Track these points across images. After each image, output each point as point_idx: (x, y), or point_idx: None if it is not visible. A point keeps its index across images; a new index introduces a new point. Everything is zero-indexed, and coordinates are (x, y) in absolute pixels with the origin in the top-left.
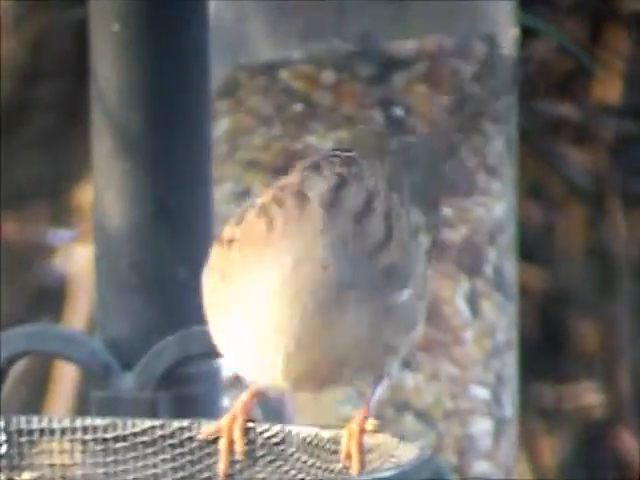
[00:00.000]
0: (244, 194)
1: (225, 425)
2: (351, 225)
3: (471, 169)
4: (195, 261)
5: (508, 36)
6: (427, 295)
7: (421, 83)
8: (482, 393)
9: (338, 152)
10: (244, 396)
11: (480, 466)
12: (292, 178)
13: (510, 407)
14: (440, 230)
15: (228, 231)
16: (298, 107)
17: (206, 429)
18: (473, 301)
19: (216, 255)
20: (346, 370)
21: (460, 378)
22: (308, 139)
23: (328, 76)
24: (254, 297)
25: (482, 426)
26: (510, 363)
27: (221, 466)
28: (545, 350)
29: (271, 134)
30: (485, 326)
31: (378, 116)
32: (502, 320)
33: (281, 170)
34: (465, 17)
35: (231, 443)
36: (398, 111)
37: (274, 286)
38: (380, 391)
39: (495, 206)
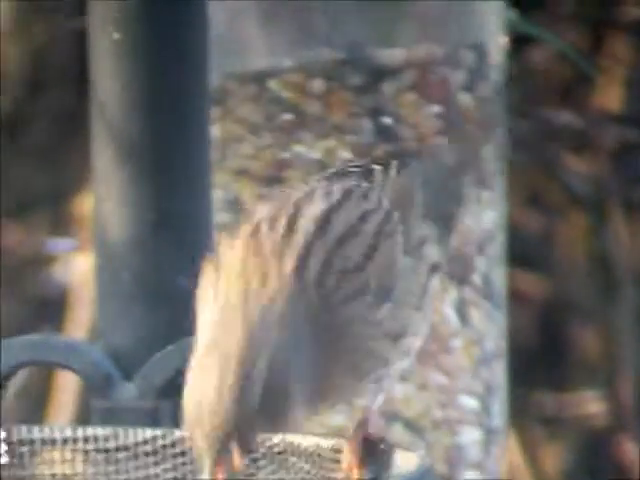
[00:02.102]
0: (233, 202)
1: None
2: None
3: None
4: (196, 270)
5: (497, 45)
6: (430, 305)
7: (410, 92)
8: (471, 403)
9: (357, 165)
10: None
11: (469, 476)
12: (285, 202)
13: (499, 417)
14: (453, 242)
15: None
16: (287, 116)
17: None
18: (462, 310)
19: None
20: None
21: (449, 387)
22: (297, 148)
23: (317, 85)
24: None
25: (471, 436)
26: (499, 372)
27: None
28: (547, 358)
29: (260, 143)
30: (474, 335)
31: (367, 125)
32: (491, 329)
33: (270, 179)
34: (454, 26)
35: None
36: (387, 120)
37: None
38: (380, 401)
39: (484, 215)
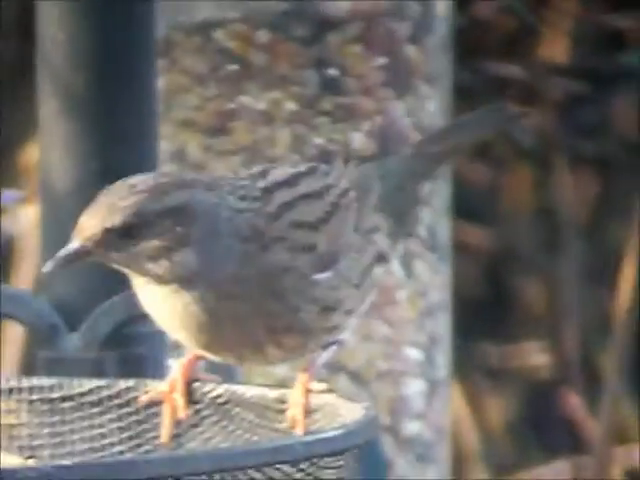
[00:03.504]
0: (179, 153)
1: (166, 391)
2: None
3: (405, 130)
4: None
5: None
6: (369, 290)
7: (356, 44)
8: (415, 354)
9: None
10: (183, 359)
11: (413, 426)
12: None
13: (443, 368)
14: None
15: None
16: (233, 67)
17: (148, 395)
18: (407, 262)
19: None
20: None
21: (393, 339)
22: (242, 99)
23: (263, 36)
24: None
25: (415, 387)
26: (444, 324)
27: (164, 432)
28: (491, 309)
29: (206, 94)
30: (419, 286)
31: (313, 77)
32: (436, 280)
33: (216, 130)
34: None
35: (174, 409)
36: (333, 72)
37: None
38: (327, 357)
39: None
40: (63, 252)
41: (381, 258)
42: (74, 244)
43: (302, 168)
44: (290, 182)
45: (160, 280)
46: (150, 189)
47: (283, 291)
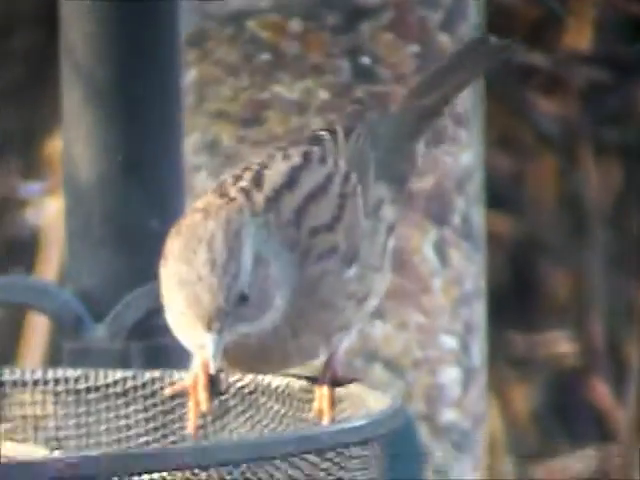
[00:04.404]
0: (212, 144)
1: (190, 385)
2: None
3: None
4: (166, 212)
5: None
6: (388, 266)
7: (388, 32)
8: (450, 342)
9: (311, 133)
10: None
11: (449, 414)
12: (255, 160)
13: (479, 356)
14: (406, 202)
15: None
16: (265, 57)
17: (171, 389)
18: (441, 250)
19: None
20: (293, 360)
21: (428, 327)
22: (275, 89)
23: (295, 25)
24: (176, 288)
25: (451, 375)
26: (478, 312)
27: (190, 425)
28: (517, 298)
29: (238, 84)
30: (453, 275)
31: (345, 65)
32: (470, 269)
33: (249, 121)
34: None
35: (198, 403)
36: (365, 60)
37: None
38: (348, 342)
39: (463, 155)
40: (213, 349)
41: (391, 229)
42: (211, 336)
43: (296, 159)
44: (290, 183)
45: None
46: (233, 261)
47: (328, 297)
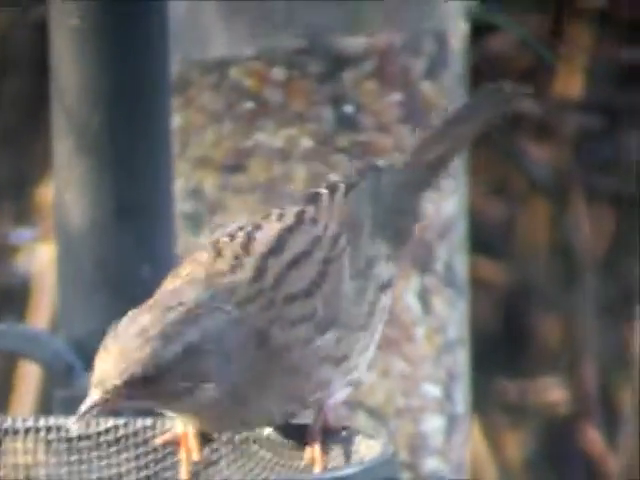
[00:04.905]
0: (195, 191)
1: (179, 434)
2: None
3: None
4: (158, 258)
5: (458, 32)
6: (379, 321)
7: (371, 80)
8: (433, 390)
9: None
10: None
11: (432, 463)
12: (242, 224)
13: (462, 403)
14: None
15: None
16: (248, 104)
17: (162, 438)
18: (424, 298)
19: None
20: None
21: (411, 375)
22: (258, 136)
23: (278, 73)
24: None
25: (434, 423)
26: (462, 359)
27: (182, 474)
28: (508, 345)
29: (222, 131)
30: (436, 322)
31: (328, 113)
32: (453, 316)
33: (232, 168)
34: (414, 13)
35: (189, 451)
36: (348, 108)
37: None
38: (344, 394)
39: (446, 203)
40: (86, 405)
41: (385, 286)
42: (95, 395)
43: (288, 220)
44: (276, 249)
45: (183, 412)
46: (162, 334)
47: (296, 363)
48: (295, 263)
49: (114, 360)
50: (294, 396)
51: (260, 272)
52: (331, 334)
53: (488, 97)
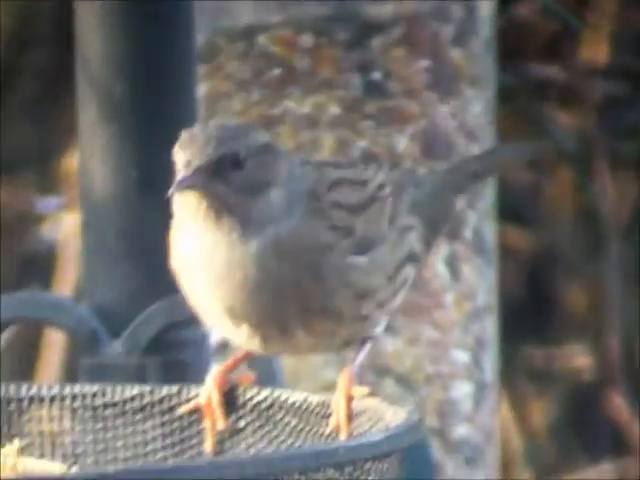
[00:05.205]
0: None
1: (204, 403)
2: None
3: (450, 132)
4: None
5: None
6: (401, 287)
7: (399, 47)
8: (462, 357)
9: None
10: (215, 370)
11: (461, 429)
12: None
13: (491, 371)
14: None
15: None
16: (276, 72)
17: (185, 407)
18: (453, 265)
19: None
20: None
21: (440, 342)
22: (286, 104)
23: (306, 40)
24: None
25: (462, 390)
26: (490, 327)
27: (208, 444)
28: (534, 312)
29: (249, 99)
30: (465, 289)
31: (356, 80)
32: (482, 283)
33: None
34: None
35: (213, 421)
36: (376, 75)
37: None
38: (363, 356)
39: None
40: (177, 180)
41: (414, 257)
42: (186, 172)
43: (342, 161)
44: (336, 164)
45: (245, 220)
46: (239, 127)
47: (322, 269)
48: (349, 182)
49: (202, 143)
50: (308, 307)
51: (319, 167)
52: (363, 260)
53: (526, 149)
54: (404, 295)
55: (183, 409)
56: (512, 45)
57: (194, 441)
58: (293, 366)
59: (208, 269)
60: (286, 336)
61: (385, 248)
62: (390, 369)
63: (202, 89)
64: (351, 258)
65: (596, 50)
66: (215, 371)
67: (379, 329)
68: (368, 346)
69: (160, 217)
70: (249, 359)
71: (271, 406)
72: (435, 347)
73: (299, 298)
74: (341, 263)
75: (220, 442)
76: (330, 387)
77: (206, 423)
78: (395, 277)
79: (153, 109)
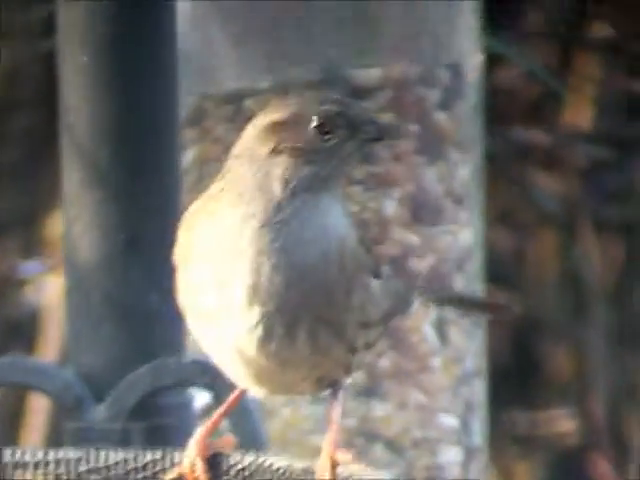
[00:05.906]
0: None
1: (187, 470)
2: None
3: (438, 197)
4: (166, 290)
5: (473, 63)
6: (380, 338)
7: (386, 111)
8: (451, 421)
9: None
10: (197, 436)
11: None
12: None
13: (479, 435)
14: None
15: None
16: None
17: (169, 474)
18: (441, 328)
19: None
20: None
21: (428, 406)
22: None
23: None
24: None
25: (451, 455)
26: (479, 390)
27: None
28: (518, 376)
29: None
30: (453, 353)
31: None
32: (471, 347)
33: None
34: (429, 45)
35: None
36: None
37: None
38: (339, 411)
39: (462, 234)
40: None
41: (367, 346)
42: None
43: None
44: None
45: (334, 188)
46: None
47: (354, 286)
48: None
49: (294, 112)
50: (319, 316)
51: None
52: (377, 282)
53: (490, 305)
54: (365, 360)
55: (167, 478)
56: (496, 109)
57: None
58: (280, 432)
59: (256, 253)
60: (289, 336)
61: (383, 282)
62: (379, 434)
63: (191, 153)
64: (371, 279)
65: (579, 114)
66: (197, 435)
67: (350, 379)
68: (342, 398)
69: (145, 279)
70: (229, 412)
71: (255, 472)
72: (423, 411)
73: (322, 303)
74: (366, 283)
75: None
76: (318, 452)
77: None
78: (380, 325)
79: (138, 173)
